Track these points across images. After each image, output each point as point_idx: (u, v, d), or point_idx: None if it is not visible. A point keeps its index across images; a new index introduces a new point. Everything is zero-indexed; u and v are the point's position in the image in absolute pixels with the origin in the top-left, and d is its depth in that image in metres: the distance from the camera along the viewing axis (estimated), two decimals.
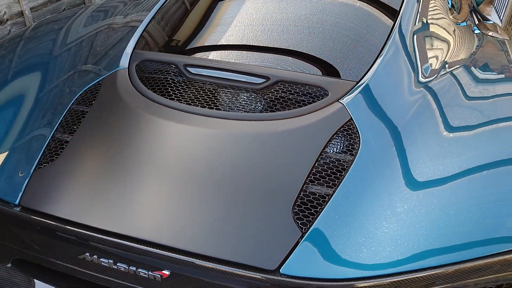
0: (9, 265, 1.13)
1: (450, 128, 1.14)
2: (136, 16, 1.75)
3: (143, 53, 1.47)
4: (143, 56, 1.46)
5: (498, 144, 1.09)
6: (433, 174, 1.00)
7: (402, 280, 0.84)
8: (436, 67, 1.41)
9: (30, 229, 1.04)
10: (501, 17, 4.43)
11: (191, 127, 1.14)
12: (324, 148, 1.07)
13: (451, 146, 1.08)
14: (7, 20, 2.30)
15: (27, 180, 1.07)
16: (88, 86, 1.35)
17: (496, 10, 4.87)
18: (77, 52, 1.54)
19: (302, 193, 0.97)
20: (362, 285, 0.84)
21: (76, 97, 1.30)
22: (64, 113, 1.25)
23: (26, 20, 2.42)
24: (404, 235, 0.90)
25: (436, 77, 1.36)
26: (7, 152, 1.17)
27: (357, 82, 1.28)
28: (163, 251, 0.90)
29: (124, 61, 1.43)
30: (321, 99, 1.23)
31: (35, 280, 1.11)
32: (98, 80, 1.37)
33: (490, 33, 2.10)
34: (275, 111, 1.21)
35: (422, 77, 1.35)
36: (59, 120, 1.22)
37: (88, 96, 1.29)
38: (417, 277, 0.84)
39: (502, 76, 1.45)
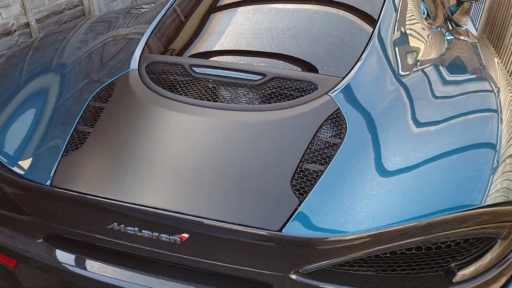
0: (40, 240, 1.27)
1: (418, 115, 1.34)
2: (140, 27, 1.92)
3: (150, 56, 1.65)
4: (150, 58, 1.63)
5: (455, 118, 1.30)
6: (406, 150, 1.19)
7: (382, 232, 1.01)
8: (409, 66, 1.60)
9: (62, 206, 1.19)
10: (476, 26, 4.70)
11: (201, 117, 1.32)
12: (316, 133, 1.25)
13: (420, 129, 1.28)
14: (15, 31, 2.45)
15: (56, 164, 1.22)
16: (102, 86, 1.51)
17: (471, 20, 5.16)
18: (89, 57, 1.71)
19: (298, 169, 1.15)
20: (349, 237, 1.01)
21: (92, 95, 1.47)
22: (83, 109, 1.40)
23: (32, 31, 2.57)
24: (384, 198, 1.08)
25: (409, 74, 1.55)
26: (36, 143, 1.32)
27: (343, 78, 1.47)
28: (183, 216, 1.05)
29: (134, 64, 1.61)
30: (312, 92, 1.42)
31: (63, 252, 1.24)
32: (112, 80, 1.54)
33: (462, 37, 2.32)
34: (272, 103, 1.39)
35: (398, 75, 1.54)
36: (79, 115, 1.38)
37: (103, 94, 1.45)
38: (395, 229, 1.01)
39: (469, 74, 1.65)
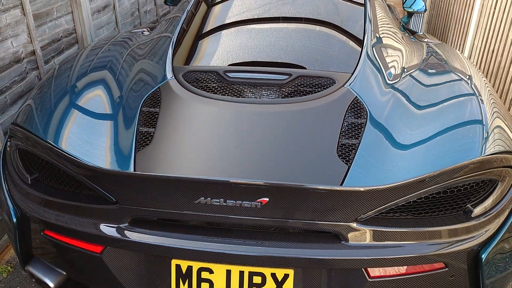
0: (126, 224, 1.45)
1: (415, 100, 1.69)
2: (162, 43, 2.14)
3: (182, 67, 1.88)
4: (185, 69, 1.87)
5: (445, 102, 1.67)
6: (414, 125, 1.53)
7: (412, 181, 1.32)
8: (399, 70, 1.94)
9: (148, 190, 1.38)
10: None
11: (250, 110, 1.57)
12: (345, 116, 1.54)
13: (420, 111, 1.62)
14: (24, 58, 2.59)
15: (132, 156, 1.41)
16: (148, 94, 1.72)
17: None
18: (130, 68, 1.92)
19: (339, 143, 1.43)
20: (390, 186, 1.31)
21: (141, 102, 1.67)
22: (138, 114, 1.61)
23: (37, 58, 2.71)
24: (408, 158, 1.39)
25: (400, 75, 1.89)
26: (106, 142, 1.51)
27: (352, 74, 1.79)
28: (264, 182, 1.30)
29: (169, 74, 1.83)
30: (332, 86, 1.72)
31: (147, 231, 1.43)
32: (155, 88, 1.75)
33: (426, 40, 2.74)
34: (302, 96, 1.67)
35: (391, 74, 1.87)
36: (136, 119, 1.58)
37: (150, 101, 1.67)
38: (421, 178, 1.32)
39: (445, 69, 2.02)
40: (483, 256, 1.42)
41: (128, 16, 4.18)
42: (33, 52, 2.69)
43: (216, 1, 2.60)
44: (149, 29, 2.84)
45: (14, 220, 1.60)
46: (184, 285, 1.45)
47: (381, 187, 1.31)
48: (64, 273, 1.66)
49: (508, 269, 1.51)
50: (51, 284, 1.64)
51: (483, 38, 4.60)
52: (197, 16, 2.40)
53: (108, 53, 2.14)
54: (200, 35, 2.25)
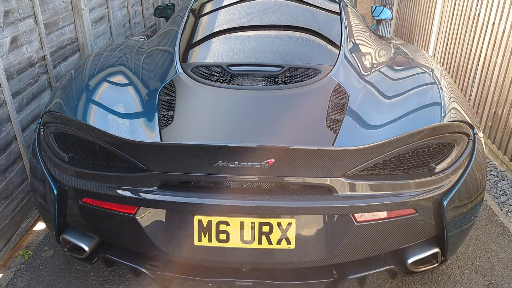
0: (156, 187, 1.75)
1: (385, 86, 2.05)
2: (168, 43, 2.47)
3: (189, 63, 2.21)
4: (191, 65, 2.19)
5: (410, 91, 2.04)
6: (386, 103, 1.89)
7: (386, 142, 1.67)
8: (369, 67, 2.32)
9: (175, 157, 1.69)
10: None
11: (255, 92, 1.90)
12: (330, 98, 1.90)
13: (390, 94, 1.98)
14: (36, 63, 2.86)
15: (158, 131, 1.72)
16: (162, 85, 2.03)
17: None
18: (142, 65, 2.23)
19: (327, 118, 1.77)
20: (370, 145, 1.65)
21: (158, 92, 1.98)
22: (156, 100, 1.92)
23: (47, 63, 2.98)
24: (383, 124, 1.75)
25: (371, 69, 2.26)
26: (132, 121, 1.81)
27: (333, 66, 2.15)
28: (268, 145, 1.62)
29: (179, 69, 2.15)
30: (318, 75, 2.07)
31: (174, 193, 1.74)
32: (168, 81, 2.07)
33: (393, 41, 3.15)
34: (294, 83, 2.01)
35: (364, 68, 2.25)
36: (156, 105, 1.89)
37: (166, 91, 1.98)
38: (391, 140, 1.68)
39: (411, 64, 2.41)
40: (445, 202, 1.79)
41: (121, 27, 4.47)
42: (44, 58, 2.96)
43: (207, 11, 2.93)
44: (145, 37, 3.16)
45: (55, 192, 1.87)
46: (205, 237, 1.76)
47: (362, 146, 1.66)
48: (97, 237, 1.94)
49: (464, 212, 1.88)
50: (86, 248, 1.91)
51: (443, 42, 5.10)
52: (194, 22, 2.74)
53: (121, 53, 2.45)
54: (200, 39, 2.58)
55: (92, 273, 2.45)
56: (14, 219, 2.64)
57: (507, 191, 3.28)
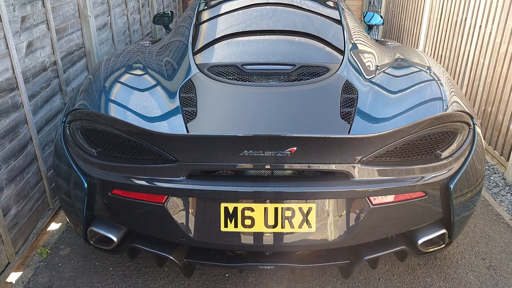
0: (184, 177, 1.86)
1: (390, 84, 2.19)
2: (180, 47, 2.59)
3: (205, 63, 2.33)
4: (207, 65, 2.32)
5: (413, 87, 2.20)
6: (393, 99, 2.04)
7: (394, 130, 1.81)
8: (373, 67, 2.48)
9: (202, 148, 1.80)
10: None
11: (270, 89, 2.03)
12: (341, 93, 2.04)
13: (396, 90, 2.13)
14: (48, 67, 2.95)
15: (184, 125, 1.83)
16: (181, 84, 2.15)
17: None
18: (159, 65, 2.35)
19: (340, 111, 1.91)
20: (383, 133, 1.80)
21: (178, 90, 2.10)
22: (177, 98, 2.04)
23: (58, 67, 3.07)
24: (392, 116, 1.89)
25: (375, 71, 2.42)
26: (160, 117, 1.92)
27: (340, 64, 2.30)
28: (291, 134, 1.75)
29: (195, 70, 2.28)
30: (328, 72, 2.22)
31: (201, 181, 1.85)
32: (186, 80, 2.19)
33: (389, 43, 3.32)
34: (306, 80, 2.15)
35: (368, 70, 2.40)
36: (179, 102, 2.00)
37: (184, 89, 2.10)
38: (399, 129, 1.82)
39: (410, 64, 2.58)
40: (451, 186, 1.94)
41: (121, 34, 4.58)
42: (55, 63, 3.05)
43: (213, 17, 3.06)
44: (149, 42, 3.27)
45: (86, 185, 1.96)
46: (231, 223, 1.87)
47: (375, 134, 1.80)
48: (124, 227, 2.03)
49: (468, 196, 2.03)
50: (114, 238, 2.01)
51: (431, 46, 5.33)
52: (202, 26, 2.87)
53: (137, 55, 2.57)
54: (211, 41, 2.70)
55: (111, 268, 2.53)
56: (31, 219, 2.71)
57: (499, 183, 3.47)
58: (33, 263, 2.58)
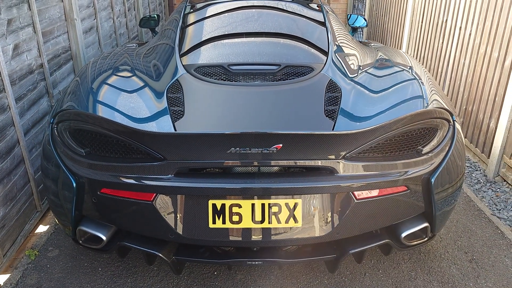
0: (172, 175, 1.89)
1: (372, 83, 2.25)
2: (167, 49, 2.62)
3: (191, 64, 2.37)
4: (193, 66, 2.35)
5: (395, 86, 2.26)
6: (372, 96, 2.10)
7: (376, 127, 1.87)
8: (356, 67, 2.55)
9: (190, 146, 1.84)
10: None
11: (256, 88, 2.08)
12: (325, 91, 2.09)
13: (377, 89, 2.19)
14: (35, 70, 2.96)
15: (172, 124, 1.87)
16: (169, 84, 2.18)
17: None
18: (146, 66, 2.38)
19: (325, 108, 1.96)
20: (365, 129, 1.85)
21: (166, 90, 2.13)
22: (165, 98, 2.07)
23: (44, 70, 3.08)
24: (375, 113, 1.95)
25: (358, 70, 2.48)
26: (148, 117, 1.95)
27: (324, 64, 2.36)
28: (277, 131, 1.80)
29: (182, 70, 2.31)
30: (312, 72, 2.27)
31: (189, 179, 1.88)
32: (173, 80, 2.22)
33: (372, 44, 3.40)
34: (291, 79, 2.20)
35: (351, 69, 2.46)
36: (166, 101, 2.04)
37: (172, 89, 2.13)
38: (381, 125, 1.88)
39: (393, 63, 2.65)
40: (432, 180, 2.00)
41: (108, 38, 4.59)
42: (41, 65, 3.06)
43: (199, 19, 3.10)
44: (136, 45, 3.30)
45: (74, 185, 1.98)
46: (219, 219, 1.91)
47: (358, 130, 1.86)
48: (113, 226, 2.05)
49: (449, 189, 2.10)
50: (103, 237, 2.03)
51: (414, 47, 5.44)
52: (188, 28, 2.90)
53: (124, 57, 2.59)
54: (197, 44, 2.74)
55: (99, 269, 2.54)
56: (19, 221, 2.71)
57: (480, 180, 3.56)
58: (21, 265, 2.57)
